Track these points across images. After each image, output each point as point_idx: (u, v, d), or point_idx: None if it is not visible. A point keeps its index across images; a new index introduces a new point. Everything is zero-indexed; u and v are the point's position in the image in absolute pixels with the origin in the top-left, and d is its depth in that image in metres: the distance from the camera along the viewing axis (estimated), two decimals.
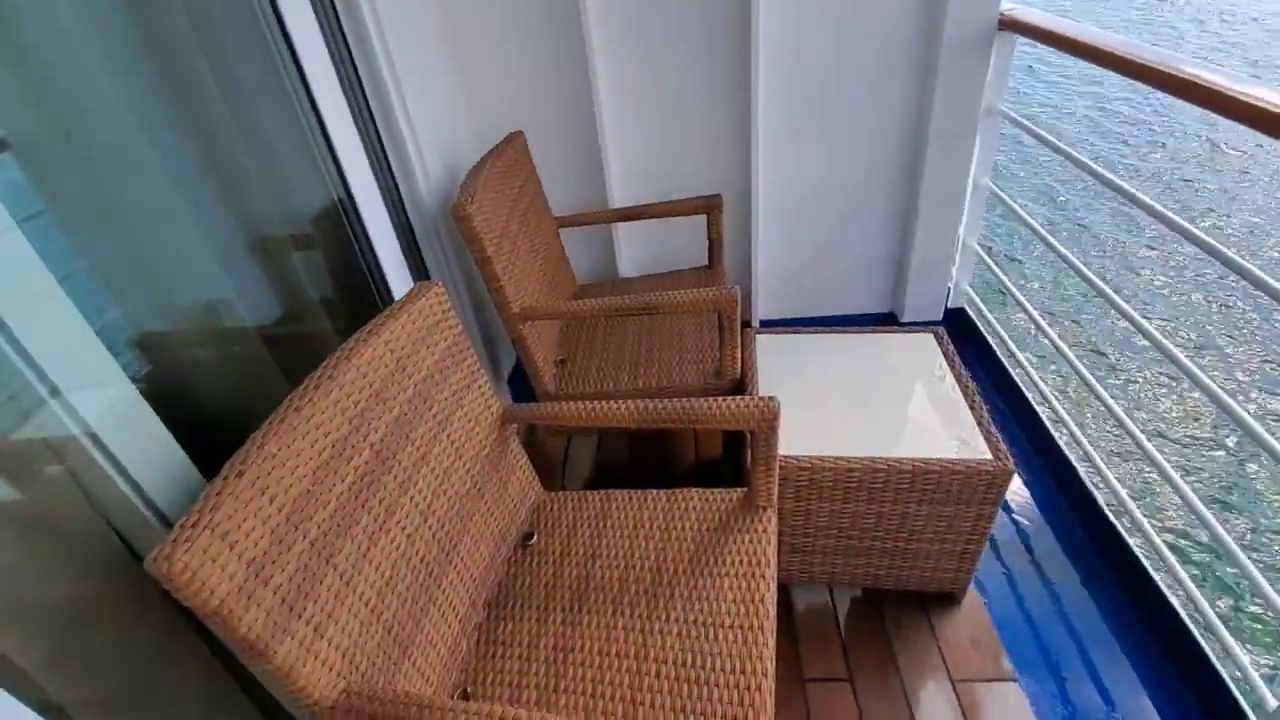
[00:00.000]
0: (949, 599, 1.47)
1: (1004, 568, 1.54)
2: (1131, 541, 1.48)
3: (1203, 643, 1.28)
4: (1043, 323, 1.83)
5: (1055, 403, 1.80)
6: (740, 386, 1.53)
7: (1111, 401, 1.56)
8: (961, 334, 2.23)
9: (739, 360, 1.52)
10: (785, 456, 1.28)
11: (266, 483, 0.73)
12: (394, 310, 1.00)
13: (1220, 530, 1.24)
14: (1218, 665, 1.23)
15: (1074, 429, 1.71)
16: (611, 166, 1.98)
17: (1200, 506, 1.29)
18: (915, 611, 1.46)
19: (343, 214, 1.33)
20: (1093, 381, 1.60)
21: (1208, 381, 1.23)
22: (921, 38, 1.81)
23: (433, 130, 1.67)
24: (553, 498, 1.30)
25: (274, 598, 0.71)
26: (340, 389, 0.87)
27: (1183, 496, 1.30)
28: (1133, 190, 1.40)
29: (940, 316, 2.27)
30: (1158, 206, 1.31)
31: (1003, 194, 1.96)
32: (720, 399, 1.09)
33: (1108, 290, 1.50)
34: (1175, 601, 1.35)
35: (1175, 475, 1.34)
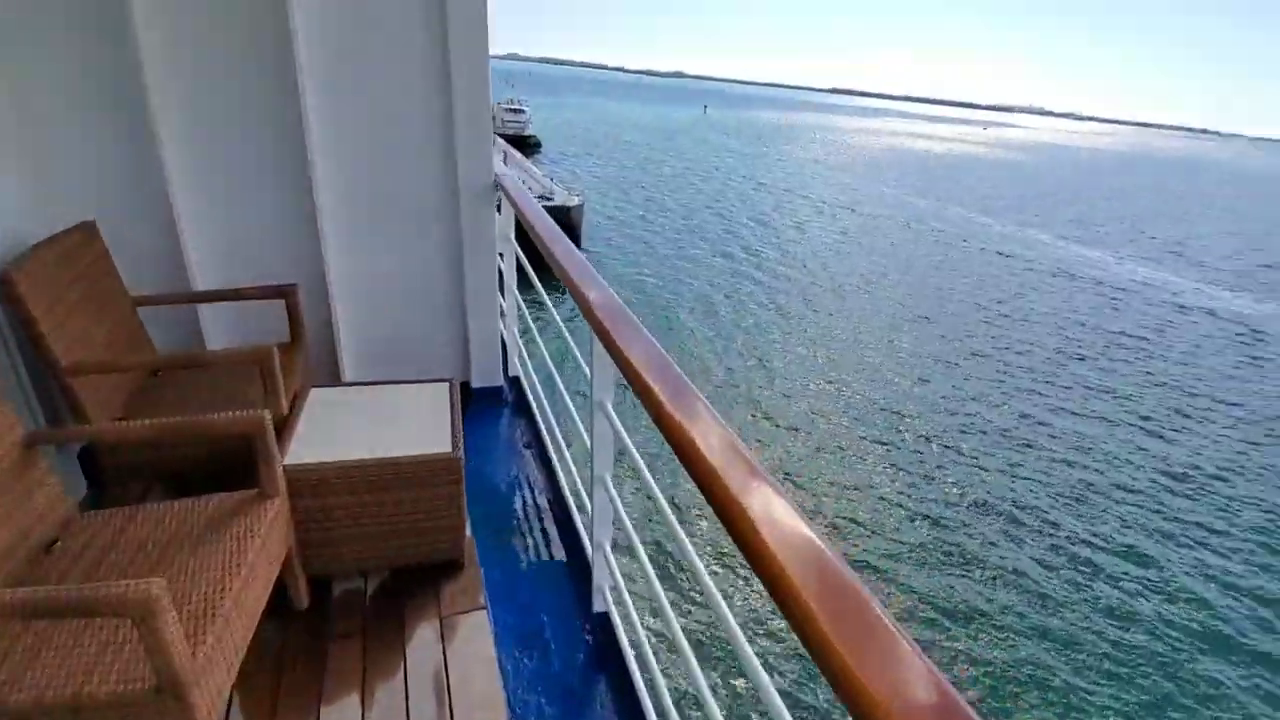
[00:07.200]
0: (455, 565, 2.04)
1: (496, 542, 2.21)
2: (577, 520, 2.29)
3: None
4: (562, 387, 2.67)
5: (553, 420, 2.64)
6: (282, 429, 1.96)
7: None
8: (521, 396, 3.02)
9: (282, 405, 1.97)
10: (294, 465, 1.75)
11: None
12: None
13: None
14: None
15: (560, 442, 2.54)
16: (190, 251, 2.33)
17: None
18: (428, 577, 1.99)
19: None
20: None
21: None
22: (449, 184, 2.61)
23: None
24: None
25: None
26: None
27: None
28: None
29: (502, 381, 3.04)
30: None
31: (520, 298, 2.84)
32: (229, 413, 1.54)
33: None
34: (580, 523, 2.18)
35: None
